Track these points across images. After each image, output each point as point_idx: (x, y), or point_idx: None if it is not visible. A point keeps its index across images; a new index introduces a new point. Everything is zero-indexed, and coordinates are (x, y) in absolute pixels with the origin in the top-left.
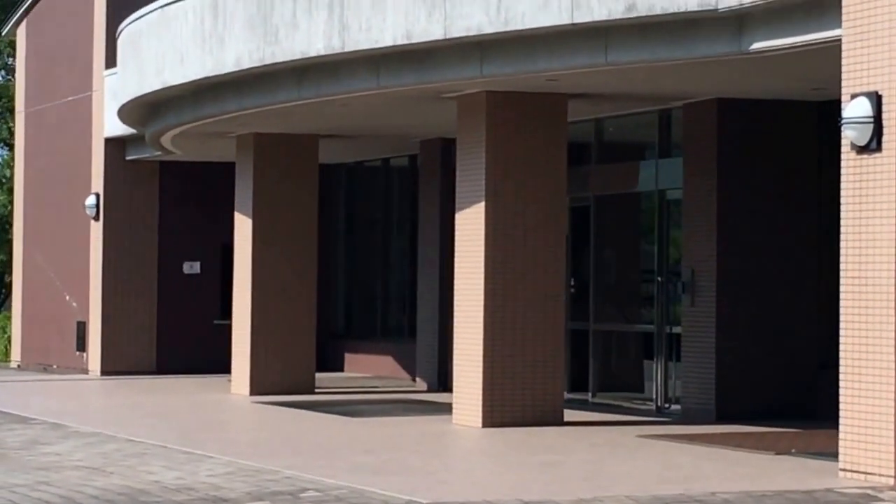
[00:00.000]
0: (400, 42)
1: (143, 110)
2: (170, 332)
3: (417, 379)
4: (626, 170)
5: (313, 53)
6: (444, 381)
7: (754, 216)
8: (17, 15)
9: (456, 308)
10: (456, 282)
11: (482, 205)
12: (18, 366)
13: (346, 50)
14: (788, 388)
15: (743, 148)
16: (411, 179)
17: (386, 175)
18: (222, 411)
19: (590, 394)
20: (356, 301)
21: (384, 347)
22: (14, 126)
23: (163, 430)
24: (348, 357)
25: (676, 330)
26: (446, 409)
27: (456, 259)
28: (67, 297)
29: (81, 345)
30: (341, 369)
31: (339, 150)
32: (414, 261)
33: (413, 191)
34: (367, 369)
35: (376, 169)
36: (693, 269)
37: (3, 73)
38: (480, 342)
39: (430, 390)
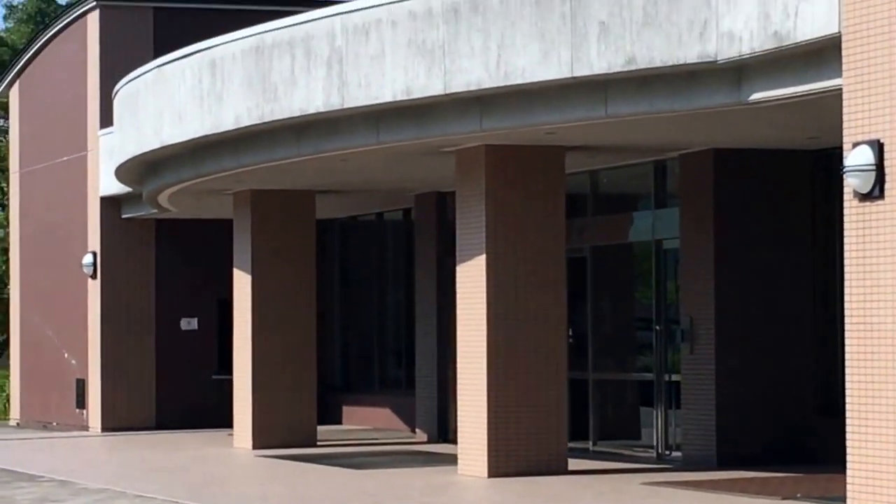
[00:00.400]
0: (399, 98)
1: (140, 169)
2: (169, 387)
3: (417, 430)
4: (622, 220)
5: (312, 110)
6: (444, 433)
7: (751, 264)
8: (10, 76)
9: (459, 360)
10: (458, 333)
11: (483, 257)
12: (18, 424)
13: (346, 106)
14: (787, 433)
15: (739, 197)
16: (406, 233)
17: (380, 229)
18: (228, 466)
19: (590, 442)
20: (353, 354)
21: (382, 400)
22: (7, 186)
23: (171, 485)
24: (346, 410)
25: (675, 378)
26: (449, 459)
27: (458, 311)
28: (66, 355)
29: (81, 402)
30: (339, 422)
31: (334, 205)
32: (410, 313)
33: (408, 244)
34: (365, 422)
35: (370, 223)
36: (691, 318)
37: None
38: (484, 393)
39: (430, 441)
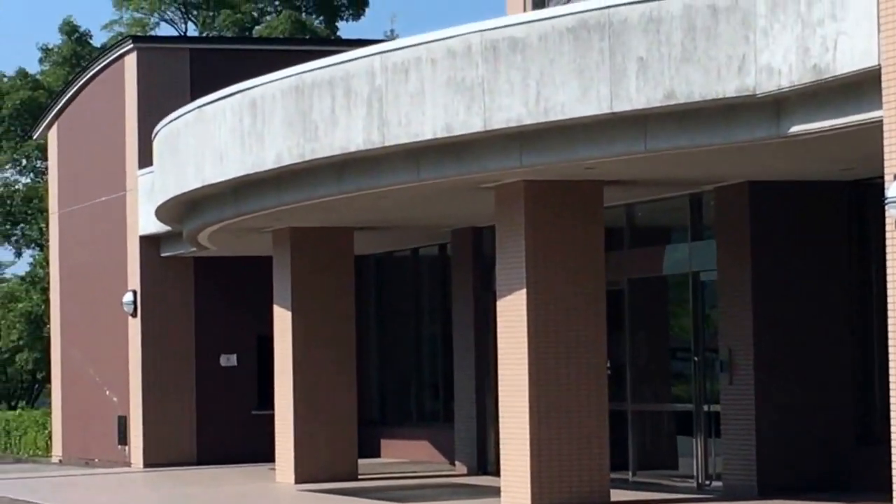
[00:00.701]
0: (439, 135)
1: (181, 208)
2: (209, 423)
3: (457, 463)
4: (658, 253)
5: (353, 148)
6: (483, 465)
7: (788, 294)
8: (48, 118)
9: (501, 392)
10: (500, 366)
11: (523, 291)
12: (60, 460)
13: (386, 144)
14: (827, 462)
15: (775, 228)
16: (441, 268)
17: (416, 264)
18: (273, 500)
19: (630, 472)
20: (390, 388)
21: (419, 433)
22: (45, 227)
23: None
24: (384, 443)
25: (715, 408)
26: (491, 491)
27: (499, 344)
28: (107, 392)
29: (123, 438)
30: (378, 455)
31: (371, 241)
32: (446, 347)
33: (443, 279)
34: (403, 454)
35: (406, 258)
36: (730, 349)
37: (31, 175)
38: (527, 425)
39: (470, 473)
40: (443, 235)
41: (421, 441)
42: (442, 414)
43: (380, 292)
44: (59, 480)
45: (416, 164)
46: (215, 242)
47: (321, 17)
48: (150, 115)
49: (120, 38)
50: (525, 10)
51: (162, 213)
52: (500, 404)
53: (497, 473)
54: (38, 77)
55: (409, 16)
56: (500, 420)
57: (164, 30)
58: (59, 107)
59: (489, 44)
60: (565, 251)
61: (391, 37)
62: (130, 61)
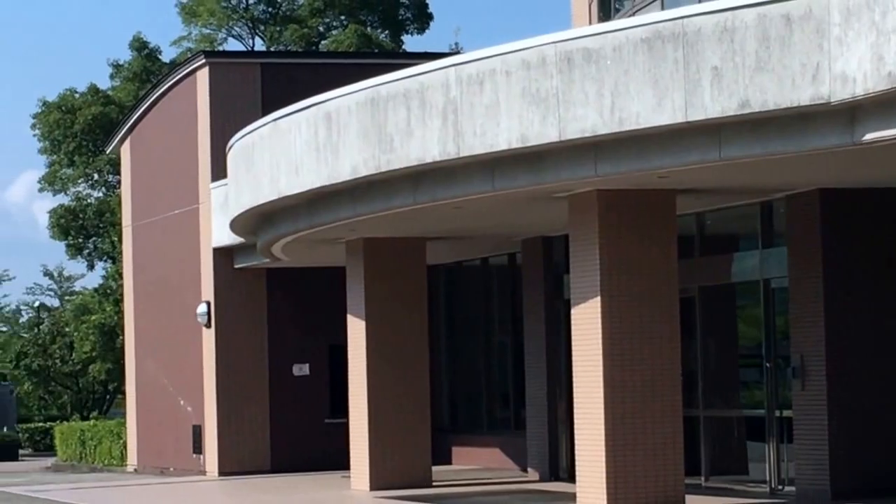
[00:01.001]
0: (514, 146)
1: (256, 220)
2: (282, 431)
3: (529, 469)
4: (729, 261)
5: (429, 160)
6: (555, 471)
7: (860, 300)
8: (121, 133)
9: (576, 399)
10: (574, 373)
11: (597, 299)
12: (135, 469)
13: (462, 155)
14: None
15: (846, 235)
16: (511, 277)
17: (485, 273)
18: None
19: (702, 478)
20: (460, 395)
21: (490, 440)
22: (117, 240)
23: None
24: (455, 450)
25: (787, 413)
26: (566, 497)
27: (573, 351)
28: (182, 402)
29: (198, 447)
30: (448, 462)
31: (441, 251)
32: (516, 355)
33: (513, 288)
34: (473, 461)
35: (475, 268)
36: (802, 355)
37: (103, 189)
38: (602, 432)
39: (542, 480)
40: (512, 245)
41: (491, 448)
42: (512, 421)
43: (450, 301)
44: (136, 489)
45: (490, 174)
46: (288, 253)
47: (386, 31)
48: (222, 128)
49: (189, 53)
50: (590, 22)
51: (237, 224)
52: (575, 411)
53: (569, 479)
54: (108, 93)
55: (473, 29)
56: (576, 427)
57: (232, 45)
58: (131, 121)
59: (563, 55)
60: (639, 259)
61: (455, 50)
62: (203, 76)
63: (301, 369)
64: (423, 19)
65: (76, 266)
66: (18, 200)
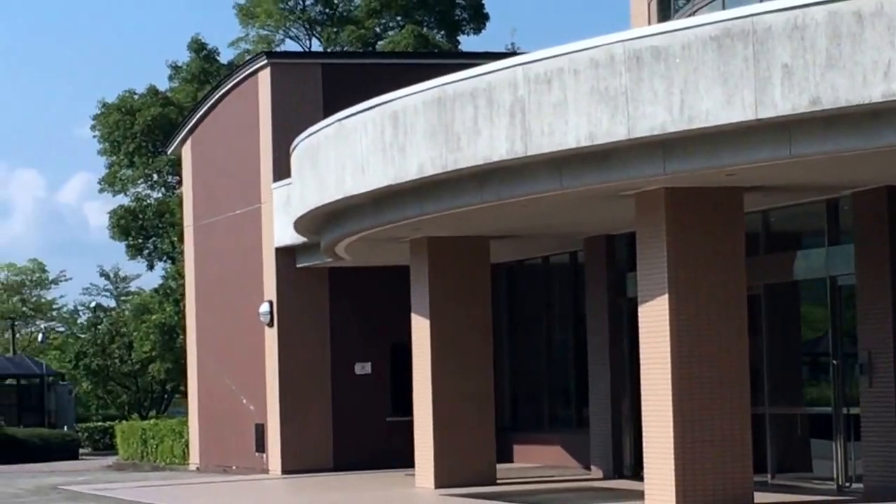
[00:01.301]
0: (583, 144)
1: (320, 220)
2: (345, 430)
3: (592, 467)
4: (795, 258)
5: (496, 158)
6: (619, 468)
7: None
8: (182, 134)
9: (644, 397)
10: (642, 371)
11: (665, 297)
12: (198, 468)
13: (529, 154)
14: None
15: None
16: (573, 275)
17: (547, 272)
18: None
19: (769, 475)
20: (522, 394)
21: (552, 438)
22: (177, 240)
23: None
24: (517, 448)
25: (854, 410)
26: (632, 495)
27: (641, 349)
28: (244, 401)
29: (261, 446)
30: (510, 460)
31: (504, 250)
32: (578, 353)
33: (575, 286)
34: (536, 459)
35: (537, 266)
36: (870, 352)
37: (163, 189)
38: (670, 429)
39: (606, 477)
40: (574, 243)
41: (553, 446)
42: (574, 419)
43: (511, 300)
44: (203, 487)
45: (558, 172)
46: (351, 253)
47: (442, 32)
48: (284, 129)
49: (246, 54)
50: (649, 22)
51: (301, 224)
52: (643, 409)
53: (633, 477)
54: (167, 94)
55: (528, 29)
56: (644, 424)
57: (289, 46)
58: (192, 122)
59: (632, 53)
60: (706, 257)
61: (512, 50)
62: (264, 76)
63: (363, 367)
64: (479, 19)
65: (135, 266)
66: (70, 202)
